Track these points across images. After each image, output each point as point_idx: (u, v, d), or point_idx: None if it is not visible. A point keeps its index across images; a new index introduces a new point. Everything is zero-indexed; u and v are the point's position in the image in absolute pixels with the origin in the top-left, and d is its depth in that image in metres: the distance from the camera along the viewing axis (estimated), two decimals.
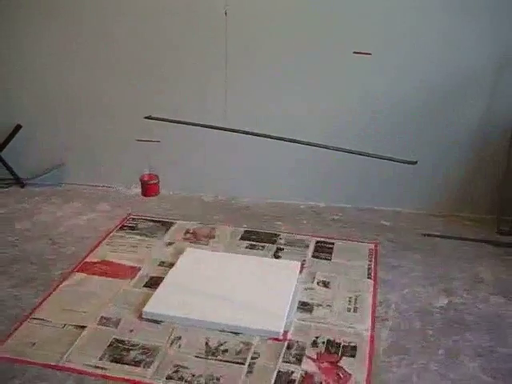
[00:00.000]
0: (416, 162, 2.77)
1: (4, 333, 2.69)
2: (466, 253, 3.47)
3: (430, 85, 3.66)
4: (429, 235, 3.69)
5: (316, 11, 3.63)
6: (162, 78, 4.00)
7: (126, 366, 2.49)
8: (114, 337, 2.68)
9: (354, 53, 3.50)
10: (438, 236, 3.68)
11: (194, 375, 2.44)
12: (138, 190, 4.28)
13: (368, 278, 3.20)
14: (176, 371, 2.46)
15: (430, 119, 3.75)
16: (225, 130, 2.86)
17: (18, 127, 4.27)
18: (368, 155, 2.74)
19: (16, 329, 2.73)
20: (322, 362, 2.52)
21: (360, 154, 2.74)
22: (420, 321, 2.83)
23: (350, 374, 2.45)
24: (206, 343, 2.64)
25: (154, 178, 3.11)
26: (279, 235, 3.67)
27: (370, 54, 3.48)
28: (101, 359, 2.53)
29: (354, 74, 3.71)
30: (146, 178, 3.11)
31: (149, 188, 3.12)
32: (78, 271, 3.24)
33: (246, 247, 3.53)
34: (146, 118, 3.10)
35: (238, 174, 4.18)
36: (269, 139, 2.81)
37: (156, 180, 3.11)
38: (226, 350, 2.59)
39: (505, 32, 3.47)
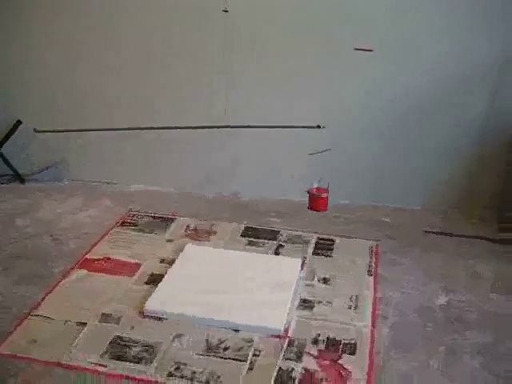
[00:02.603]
0: (320, 127, 2.71)
1: (5, 330, 2.70)
2: (466, 250, 3.48)
3: (434, 82, 3.65)
4: (429, 232, 3.69)
5: (317, 7, 3.62)
6: (164, 75, 3.99)
7: (128, 363, 2.50)
8: (115, 334, 2.69)
9: (356, 49, 3.51)
10: (438, 233, 3.68)
11: (194, 372, 2.45)
12: (138, 186, 4.34)
13: (369, 275, 3.21)
14: (177, 368, 2.47)
15: (432, 116, 3.74)
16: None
17: (18, 123, 4.26)
18: (270, 127, 2.74)
19: (17, 326, 2.74)
20: (323, 360, 2.53)
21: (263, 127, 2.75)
22: (420, 318, 2.84)
23: (350, 372, 2.46)
24: (207, 340, 2.64)
25: (324, 191, 2.91)
26: (280, 232, 3.67)
27: (371, 50, 3.48)
28: (102, 356, 2.54)
29: (355, 70, 3.70)
30: (314, 191, 2.91)
31: (317, 202, 2.89)
32: (79, 268, 3.25)
33: (247, 244, 3.53)
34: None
35: (239, 171, 4.18)
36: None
37: (326, 194, 2.90)
38: (226, 348, 2.60)
39: (510, 30, 3.46)
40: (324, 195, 2.86)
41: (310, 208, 2.91)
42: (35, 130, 3.17)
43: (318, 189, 2.89)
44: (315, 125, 2.65)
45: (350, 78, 3.74)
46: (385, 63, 3.64)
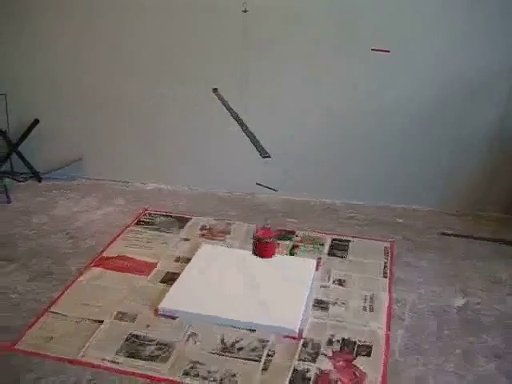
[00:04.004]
0: (269, 157, 2.62)
1: (22, 326, 2.72)
2: (483, 253, 3.45)
3: (450, 83, 3.63)
4: (445, 234, 3.67)
5: (333, 8, 3.62)
6: (178, 73, 4.00)
7: (142, 362, 2.51)
8: (130, 332, 2.70)
9: (373, 50, 3.50)
10: (454, 235, 3.65)
11: (209, 372, 2.45)
12: (153, 184, 4.35)
13: (384, 276, 3.19)
14: (192, 367, 2.47)
15: (448, 118, 3.72)
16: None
17: (36, 122, 4.29)
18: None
19: (33, 323, 2.76)
20: (338, 361, 2.52)
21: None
22: (436, 321, 2.82)
23: (365, 373, 2.45)
24: (222, 340, 2.64)
25: (270, 232, 2.57)
26: (295, 232, 3.66)
27: (388, 51, 3.47)
28: (117, 354, 2.55)
29: (369, 72, 3.70)
30: (260, 233, 2.60)
31: (263, 248, 2.56)
32: (94, 266, 3.26)
33: None
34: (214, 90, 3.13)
35: (253, 170, 4.17)
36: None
37: (271, 238, 2.55)
38: (241, 347, 2.60)
39: None
40: (268, 240, 2.56)
41: (255, 254, 2.64)
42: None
43: (263, 229, 2.56)
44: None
45: (366, 78, 3.73)
46: (400, 67, 3.64)
